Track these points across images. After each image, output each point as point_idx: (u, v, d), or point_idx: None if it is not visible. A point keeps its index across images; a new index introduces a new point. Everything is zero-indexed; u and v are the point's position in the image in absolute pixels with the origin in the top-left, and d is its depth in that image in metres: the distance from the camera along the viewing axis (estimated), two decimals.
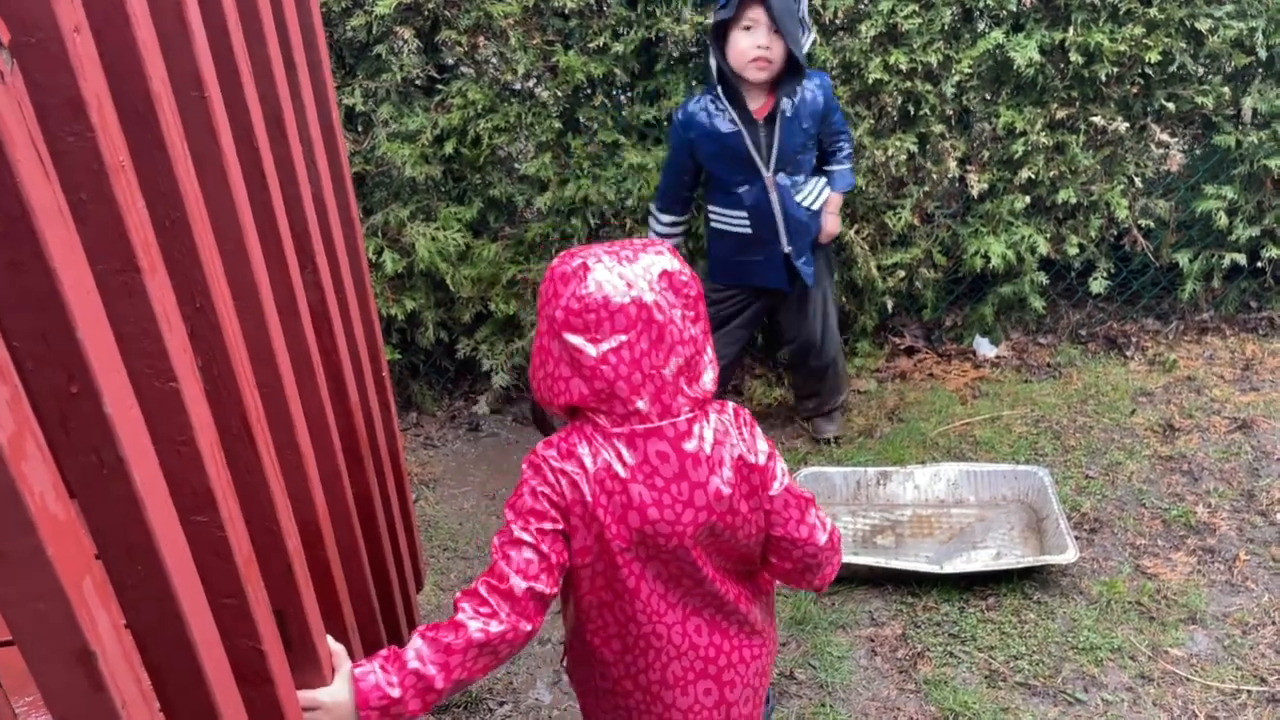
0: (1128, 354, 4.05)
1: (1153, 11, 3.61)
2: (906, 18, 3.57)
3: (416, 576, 2.41)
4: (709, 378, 1.51)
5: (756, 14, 2.97)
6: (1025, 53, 3.60)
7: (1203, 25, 3.63)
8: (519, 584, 1.41)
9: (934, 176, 3.85)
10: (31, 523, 0.72)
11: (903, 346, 4.22)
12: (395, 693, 1.37)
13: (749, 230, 3.29)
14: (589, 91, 3.68)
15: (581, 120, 3.71)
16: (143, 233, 0.94)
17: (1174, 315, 4.22)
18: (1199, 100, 3.75)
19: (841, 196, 3.43)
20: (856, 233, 3.84)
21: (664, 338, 1.45)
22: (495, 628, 1.40)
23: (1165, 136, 3.80)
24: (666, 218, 3.43)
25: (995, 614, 2.71)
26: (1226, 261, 4.00)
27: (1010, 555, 2.91)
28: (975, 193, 3.84)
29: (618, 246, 1.50)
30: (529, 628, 1.43)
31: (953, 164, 3.80)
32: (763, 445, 1.54)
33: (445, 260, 3.70)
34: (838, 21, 3.68)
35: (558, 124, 3.65)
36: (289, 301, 1.41)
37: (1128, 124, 3.77)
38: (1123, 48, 3.62)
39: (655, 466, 1.47)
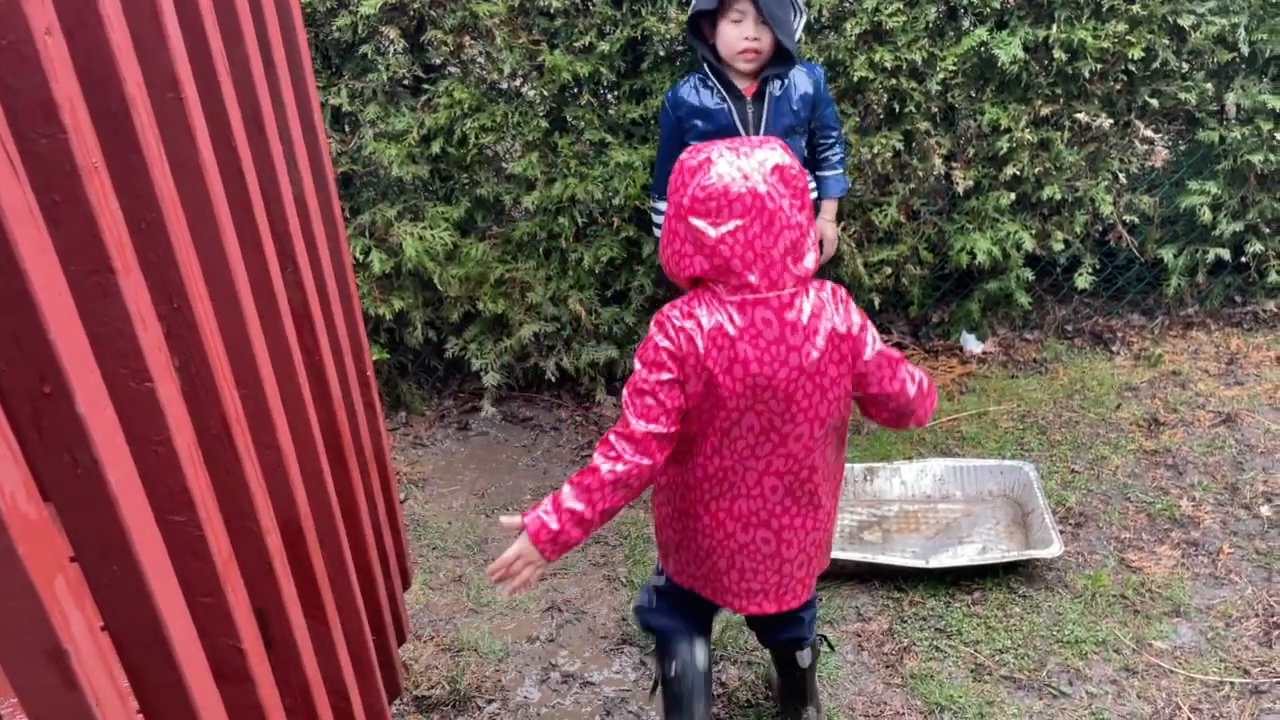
0: (1113, 349, 4.07)
1: (1135, 8, 3.62)
2: (891, 15, 3.58)
3: (403, 575, 2.42)
4: (811, 259, 1.80)
5: (744, 5, 2.98)
6: (1009, 50, 3.61)
7: (1185, 21, 3.65)
8: (640, 427, 1.78)
9: (920, 174, 3.86)
10: (1, 522, 0.73)
11: (890, 343, 4.23)
12: (555, 525, 1.77)
13: None
14: (575, 90, 3.68)
15: (568, 119, 3.71)
16: (117, 234, 0.95)
17: (1159, 310, 4.25)
18: (1182, 96, 3.77)
19: (835, 203, 3.38)
20: (843, 230, 3.85)
21: (774, 223, 1.73)
22: (621, 467, 1.78)
23: (1149, 133, 3.81)
24: (663, 204, 3.43)
25: (981, 608, 2.72)
26: (1211, 257, 4.03)
27: (996, 550, 2.92)
28: (961, 189, 3.85)
29: (738, 143, 1.80)
30: (649, 462, 1.79)
31: (938, 161, 3.81)
32: (855, 318, 1.86)
33: (433, 260, 3.70)
34: (823, 20, 3.69)
35: (544, 123, 3.65)
36: (269, 301, 1.41)
37: (1112, 120, 3.78)
38: (1106, 44, 3.63)
39: (760, 330, 1.78)
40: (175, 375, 1.07)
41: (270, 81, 1.53)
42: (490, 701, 2.57)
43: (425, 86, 3.67)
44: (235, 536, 1.19)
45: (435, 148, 3.60)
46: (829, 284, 1.86)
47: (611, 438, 1.80)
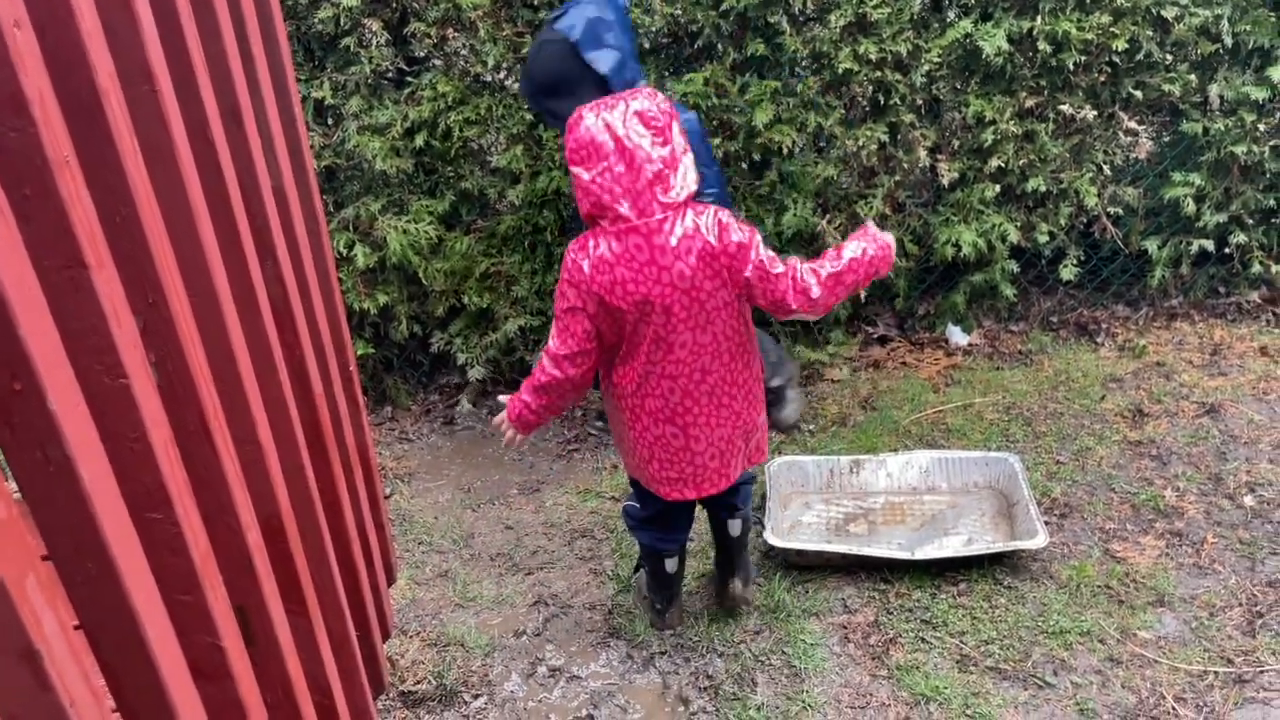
0: (1098, 340, 4.09)
1: (1119, 0, 3.63)
2: (875, 7, 3.58)
3: (388, 571, 2.41)
4: (680, 189, 2.09)
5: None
6: (994, 41, 3.61)
7: (1169, 13, 3.65)
8: (552, 347, 2.22)
9: (905, 166, 3.86)
10: None
11: (876, 335, 4.24)
12: (515, 408, 2.35)
13: None
14: None
15: None
16: (89, 228, 0.94)
17: (1143, 302, 4.26)
18: (1166, 88, 3.78)
19: None
20: (828, 222, 3.85)
21: (634, 160, 2.04)
22: (543, 378, 2.25)
23: (1133, 124, 3.82)
24: None
25: (966, 599, 2.73)
26: (1195, 248, 4.04)
27: (981, 541, 2.93)
28: (946, 182, 3.85)
29: (610, 99, 2.12)
30: (562, 375, 2.23)
31: (923, 153, 3.81)
32: (734, 238, 2.13)
33: (417, 253, 3.69)
34: (808, 12, 3.68)
35: (529, 116, 3.63)
36: (248, 295, 1.40)
37: (1096, 112, 3.79)
38: (1090, 36, 3.64)
39: (633, 254, 2.10)
40: (151, 371, 1.05)
41: (248, 73, 1.51)
42: (477, 696, 2.56)
43: (409, 79, 3.65)
44: (214, 533, 1.18)
45: (419, 141, 3.58)
46: (712, 208, 2.14)
47: (542, 355, 2.25)
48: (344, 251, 3.63)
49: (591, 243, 2.13)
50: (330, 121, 3.67)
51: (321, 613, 1.60)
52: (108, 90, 1.01)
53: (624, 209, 2.07)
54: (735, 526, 2.63)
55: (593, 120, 2.07)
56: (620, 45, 2.82)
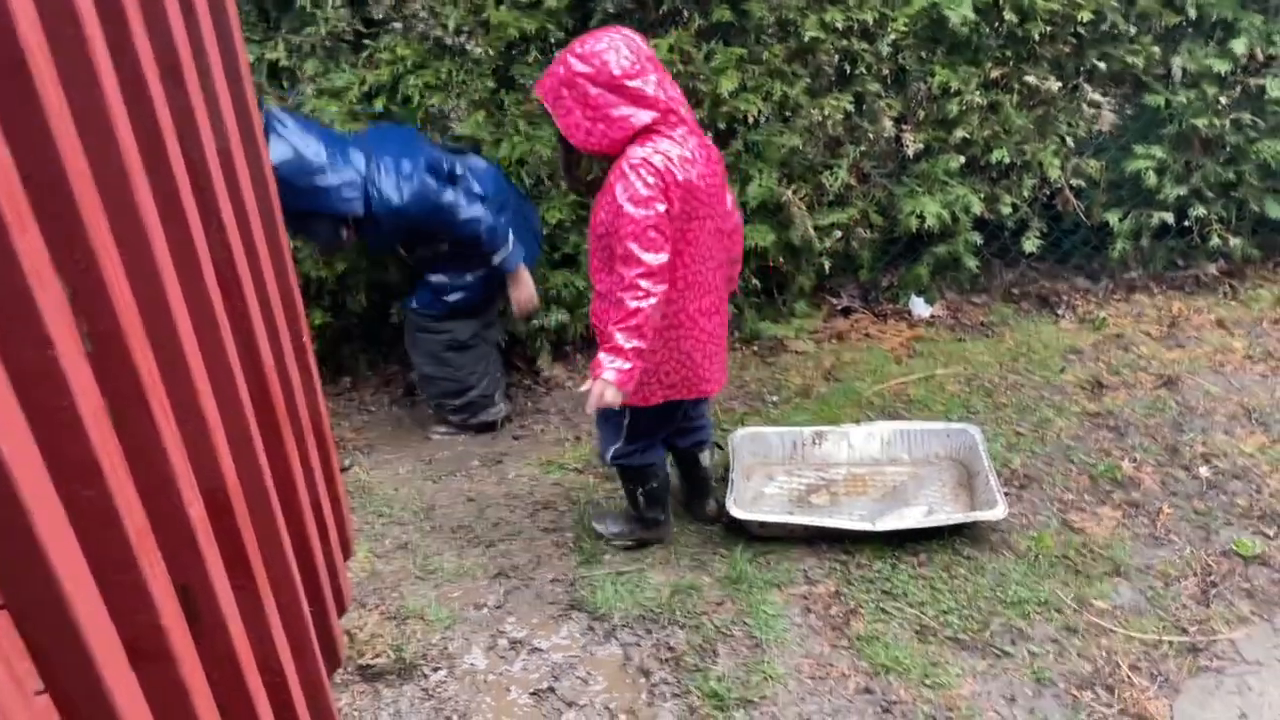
0: (1059, 312, 4.11)
1: None
2: None
3: (344, 544, 2.36)
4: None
5: None
6: (960, 10, 3.59)
7: None
8: (654, 260, 2.27)
9: (870, 136, 3.84)
10: None
11: (840, 307, 4.23)
12: (629, 366, 2.30)
13: None
14: (523, 48, 3.60)
15: (515, 78, 3.63)
16: (8, 188, 0.88)
17: (1103, 274, 4.29)
18: (1129, 60, 3.78)
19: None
20: (794, 193, 3.82)
21: (668, 73, 2.38)
22: (653, 301, 2.28)
23: (1097, 96, 3.82)
24: None
25: (926, 570, 2.74)
26: (1155, 220, 4.06)
27: (942, 512, 2.94)
28: (911, 152, 3.84)
29: (603, 33, 2.33)
30: (665, 288, 2.31)
31: (889, 123, 3.79)
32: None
33: None
34: None
35: (491, 82, 3.56)
36: (189, 259, 1.34)
37: (1060, 83, 3.79)
38: (1056, 6, 3.62)
39: (700, 152, 2.38)
40: (82, 339, 1.00)
41: (190, 28, 1.45)
42: (436, 669, 2.53)
43: (366, 42, 3.56)
44: (153, 508, 1.13)
45: (378, 105, 3.50)
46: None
47: (645, 280, 2.25)
48: None
49: (665, 145, 2.28)
50: (285, 84, 3.57)
51: (272, 589, 1.55)
52: (28, 39, 0.95)
53: (684, 112, 2.34)
54: (706, 457, 2.93)
55: (624, 42, 2.28)
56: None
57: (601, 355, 2.29)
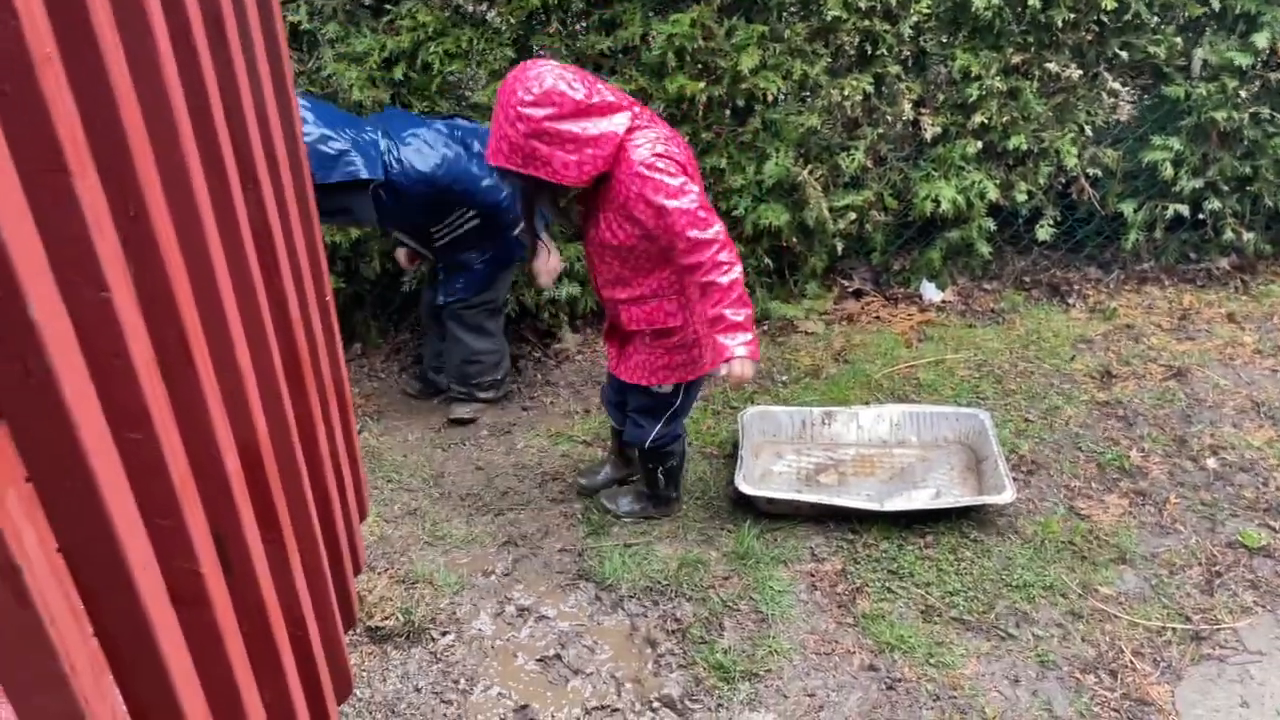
0: (1069, 301, 4.11)
1: None
2: None
3: (360, 506, 2.38)
4: None
5: None
6: None
7: None
8: (723, 228, 2.33)
9: (888, 118, 3.83)
10: None
11: (851, 289, 4.23)
12: (753, 334, 2.35)
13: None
14: (544, 18, 3.59)
15: (535, 48, 3.62)
16: (72, 131, 0.89)
17: (1115, 264, 4.29)
18: (1151, 50, 3.77)
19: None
20: (810, 173, 3.82)
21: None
22: (736, 272, 2.31)
23: (1116, 85, 3.82)
24: None
25: (933, 551, 2.76)
26: (1170, 212, 4.06)
27: (949, 495, 2.96)
28: (928, 136, 3.83)
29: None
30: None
31: (907, 106, 3.78)
32: None
33: None
34: None
35: (510, 51, 3.55)
36: (228, 216, 1.35)
37: (1081, 71, 3.78)
38: None
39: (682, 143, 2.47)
40: (133, 286, 1.01)
41: None
42: (445, 634, 2.56)
43: (388, 7, 3.55)
44: (193, 457, 1.15)
45: (397, 73, 3.49)
46: None
47: (721, 252, 2.28)
48: None
49: (652, 134, 2.32)
50: (305, 48, 3.56)
51: (296, 543, 1.57)
52: None
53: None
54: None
55: (548, 63, 2.28)
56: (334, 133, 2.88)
57: (721, 340, 2.31)
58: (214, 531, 1.20)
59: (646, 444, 2.79)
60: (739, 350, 2.30)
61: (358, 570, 2.23)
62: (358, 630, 2.52)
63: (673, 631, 2.54)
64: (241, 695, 1.25)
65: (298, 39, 3.54)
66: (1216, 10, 3.74)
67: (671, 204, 2.27)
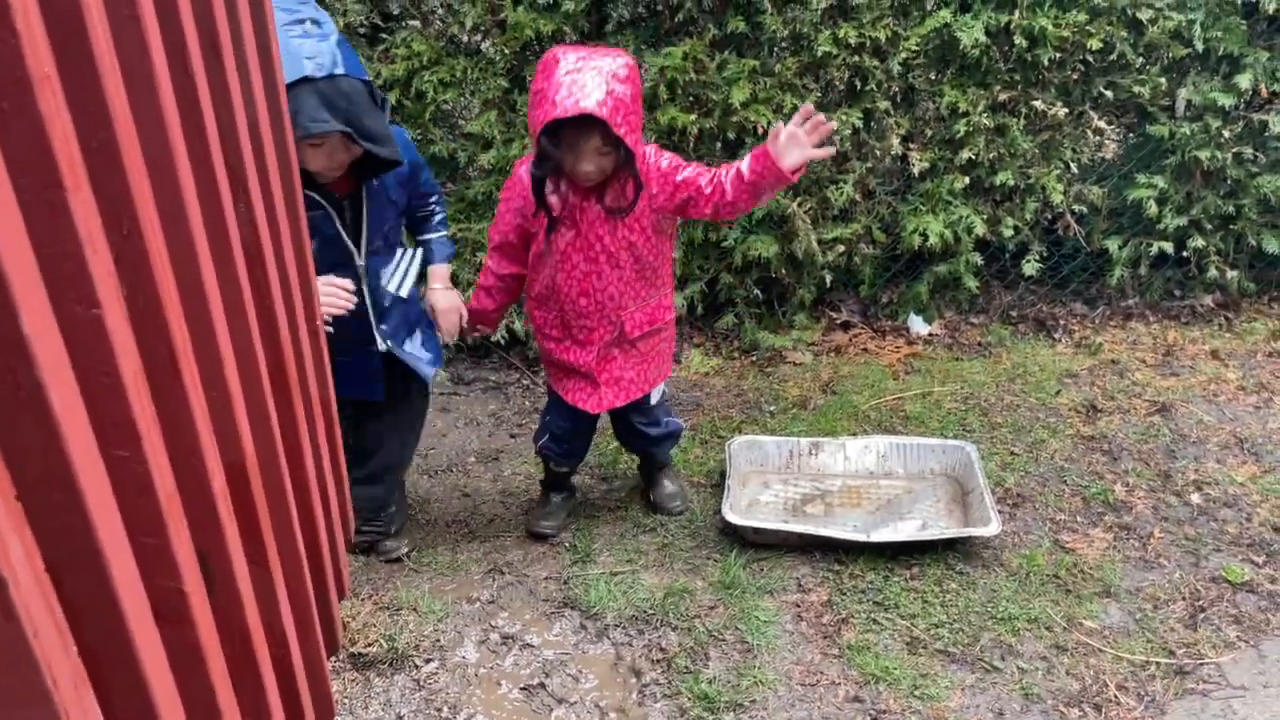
0: (1055, 336, 4.15)
1: None
2: None
3: (345, 530, 2.37)
4: None
5: (332, 139, 2.26)
6: (971, 33, 3.63)
7: (1144, 15, 3.70)
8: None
9: (877, 153, 3.88)
10: None
11: (839, 321, 4.26)
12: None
13: (330, 329, 2.39)
14: (537, 49, 3.62)
15: (528, 78, 3.65)
16: (68, 148, 0.90)
17: (1101, 300, 4.33)
18: (1136, 90, 3.83)
19: (448, 268, 2.81)
20: (799, 206, 3.85)
21: None
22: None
23: (1102, 124, 3.87)
24: None
25: (918, 583, 2.76)
26: (1154, 250, 4.11)
27: (935, 526, 2.97)
28: (916, 171, 3.88)
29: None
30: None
31: (896, 141, 3.83)
32: None
33: None
34: None
35: (504, 81, 3.59)
36: (220, 235, 1.36)
37: (1067, 110, 3.83)
38: (1066, 33, 3.67)
39: None
40: (124, 303, 1.02)
41: (227, 3, 1.46)
42: (428, 661, 2.54)
43: (383, 36, 3.58)
44: (179, 475, 1.15)
45: (391, 99, 3.51)
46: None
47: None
48: None
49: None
50: None
51: (281, 563, 1.57)
52: (90, 6, 0.97)
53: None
54: None
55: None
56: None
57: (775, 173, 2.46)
58: (199, 550, 1.20)
59: (681, 433, 3.12)
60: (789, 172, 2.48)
61: (342, 595, 2.22)
62: (340, 656, 2.50)
63: (658, 661, 2.53)
64: (223, 714, 1.24)
65: None
66: (1200, 52, 3.81)
67: (676, 159, 2.54)
